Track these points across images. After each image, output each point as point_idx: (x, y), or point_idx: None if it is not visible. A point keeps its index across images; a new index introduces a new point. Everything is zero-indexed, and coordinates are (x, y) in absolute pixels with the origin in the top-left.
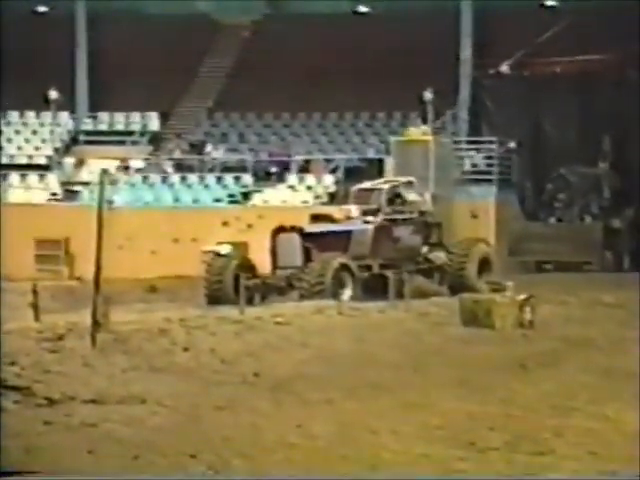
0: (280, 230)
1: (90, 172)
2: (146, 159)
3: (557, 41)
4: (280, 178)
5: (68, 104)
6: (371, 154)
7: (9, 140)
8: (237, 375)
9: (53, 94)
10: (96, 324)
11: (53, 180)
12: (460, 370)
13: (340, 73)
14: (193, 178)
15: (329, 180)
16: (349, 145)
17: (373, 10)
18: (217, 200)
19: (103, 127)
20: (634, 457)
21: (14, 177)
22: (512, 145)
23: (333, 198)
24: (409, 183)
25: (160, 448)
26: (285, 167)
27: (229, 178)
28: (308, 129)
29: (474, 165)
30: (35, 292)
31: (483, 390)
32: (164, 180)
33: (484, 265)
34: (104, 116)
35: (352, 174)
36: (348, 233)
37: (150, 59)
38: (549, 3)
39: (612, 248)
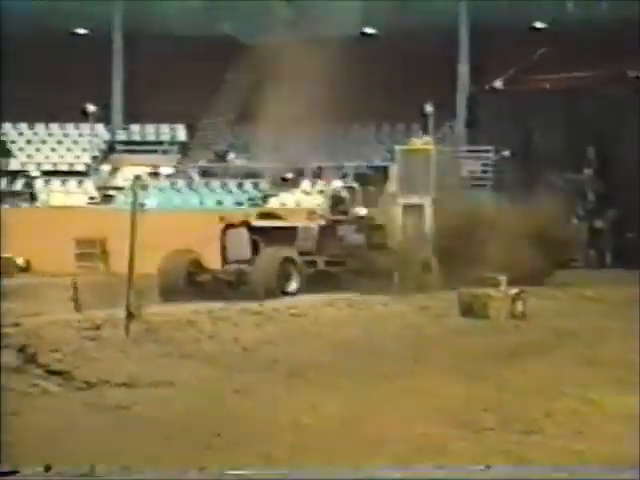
0: (229, 226)
1: (124, 178)
2: (174, 166)
3: (546, 59)
4: (295, 183)
5: (104, 117)
6: (377, 162)
7: (52, 149)
8: (257, 362)
9: (91, 108)
10: (130, 315)
11: (91, 185)
12: (457, 358)
13: (349, 89)
14: (217, 183)
15: (339, 185)
16: (358, 153)
17: (380, 32)
18: (238, 203)
19: (136, 138)
20: (615, 435)
21: (55, 183)
22: (506, 154)
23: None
24: (352, 188)
25: (188, 427)
26: (299, 173)
27: (249, 183)
28: (321, 139)
29: (471, 172)
30: (75, 287)
31: (478, 376)
32: (190, 185)
33: (423, 268)
34: (137, 128)
35: (360, 180)
36: (294, 229)
37: (179, 76)
38: (538, 25)
39: (596, 247)
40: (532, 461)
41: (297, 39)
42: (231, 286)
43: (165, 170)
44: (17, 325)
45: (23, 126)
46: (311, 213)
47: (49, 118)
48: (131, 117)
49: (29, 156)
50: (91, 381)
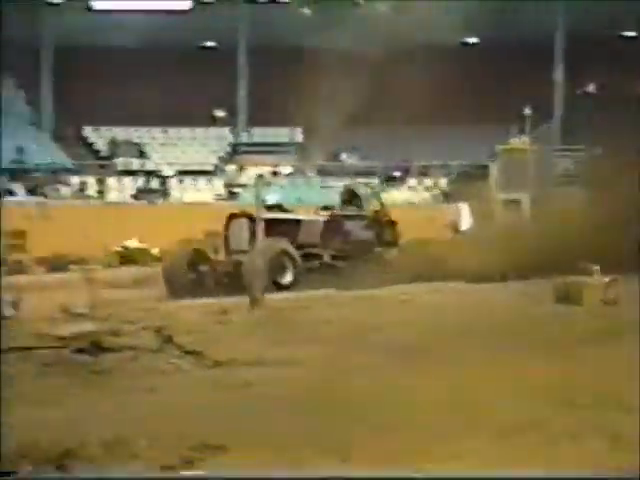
0: (232, 216)
1: (248, 177)
2: (293, 166)
3: (634, 65)
4: (402, 181)
5: (230, 121)
6: (479, 160)
7: (183, 151)
8: (371, 343)
9: (218, 113)
10: (254, 301)
11: (218, 183)
12: (553, 340)
13: (452, 93)
14: (331, 181)
15: (443, 182)
16: (461, 152)
17: (480, 40)
18: None
19: (258, 140)
20: None
21: (187, 181)
22: (597, 152)
23: (447, 197)
24: (367, 184)
25: (310, 403)
26: (406, 171)
27: (360, 181)
28: (426, 139)
29: (566, 169)
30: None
31: (572, 357)
32: (307, 183)
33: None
34: (259, 131)
35: (463, 177)
36: (297, 222)
37: (297, 83)
38: (627, 34)
39: None
40: (624, 437)
41: (402, 47)
42: (230, 277)
43: (284, 169)
44: (153, 309)
45: (156, 130)
46: (319, 207)
47: (181, 123)
48: (254, 121)
49: (163, 157)
50: (220, 360)
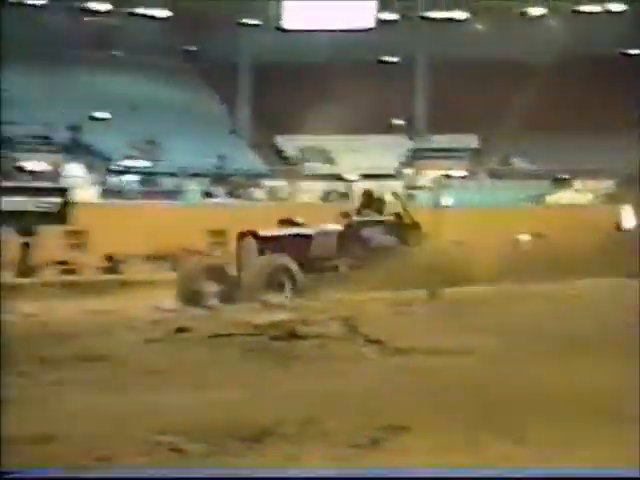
0: (242, 235)
1: (425, 180)
2: (467, 170)
3: None
4: (569, 183)
5: (409, 128)
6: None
7: (367, 156)
8: (545, 335)
9: (397, 121)
10: (432, 294)
11: (398, 186)
12: None
13: (618, 101)
14: (502, 184)
15: (608, 184)
16: (626, 157)
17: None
18: (521, 200)
19: (434, 146)
20: None
21: (368, 184)
22: None
23: (612, 199)
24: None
25: (486, 389)
26: (574, 174)
27: (531, 183)
28: (593, 144)
29: None
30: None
31: None
32: (481, 186)
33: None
34: (436, 137)
35: (628, 180)
36: (308, 237)
37: (472, 93)
38: None
39: None
40: None
41: (569, 58)
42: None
43: (459, 173)
44: (340, 301)
45: (343, 137)
46: (345, 215)
47: (363, 131)
48: (432, 128)
49: (348, 162)
50: (400, 348)
